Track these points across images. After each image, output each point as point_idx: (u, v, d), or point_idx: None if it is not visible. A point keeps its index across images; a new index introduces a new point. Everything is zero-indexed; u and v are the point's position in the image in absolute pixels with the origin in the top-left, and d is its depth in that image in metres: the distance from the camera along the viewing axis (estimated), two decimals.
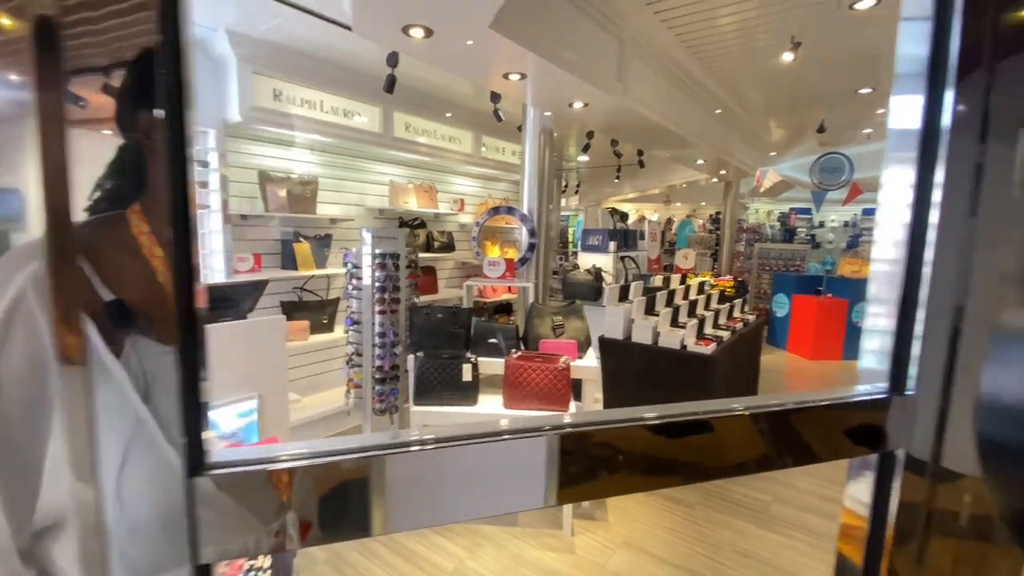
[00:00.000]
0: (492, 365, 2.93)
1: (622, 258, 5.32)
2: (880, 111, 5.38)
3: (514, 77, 2.73)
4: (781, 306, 7.09)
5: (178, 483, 0.30)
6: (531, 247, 3.86)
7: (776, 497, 3.12)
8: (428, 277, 5.15)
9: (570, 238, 10.82)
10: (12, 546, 0.31)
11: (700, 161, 6.05)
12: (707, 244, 8.71)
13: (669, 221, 11.05)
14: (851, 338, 6.45)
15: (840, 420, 0.51)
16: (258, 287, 2.48)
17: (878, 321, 0.51)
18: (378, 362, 3.04)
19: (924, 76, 0.48)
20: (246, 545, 0.33)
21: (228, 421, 2.16)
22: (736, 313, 4.77)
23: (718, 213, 8.10)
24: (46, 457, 0.29)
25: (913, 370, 0.49)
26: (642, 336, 3.80)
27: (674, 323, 3.84)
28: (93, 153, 0.31)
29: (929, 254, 0.48)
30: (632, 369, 3.86)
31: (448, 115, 4.70)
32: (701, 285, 4.94)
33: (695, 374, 3.58)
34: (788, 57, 3.24)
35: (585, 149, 5.12)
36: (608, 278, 4.88)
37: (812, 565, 2.55)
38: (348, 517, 0.33)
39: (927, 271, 0.48)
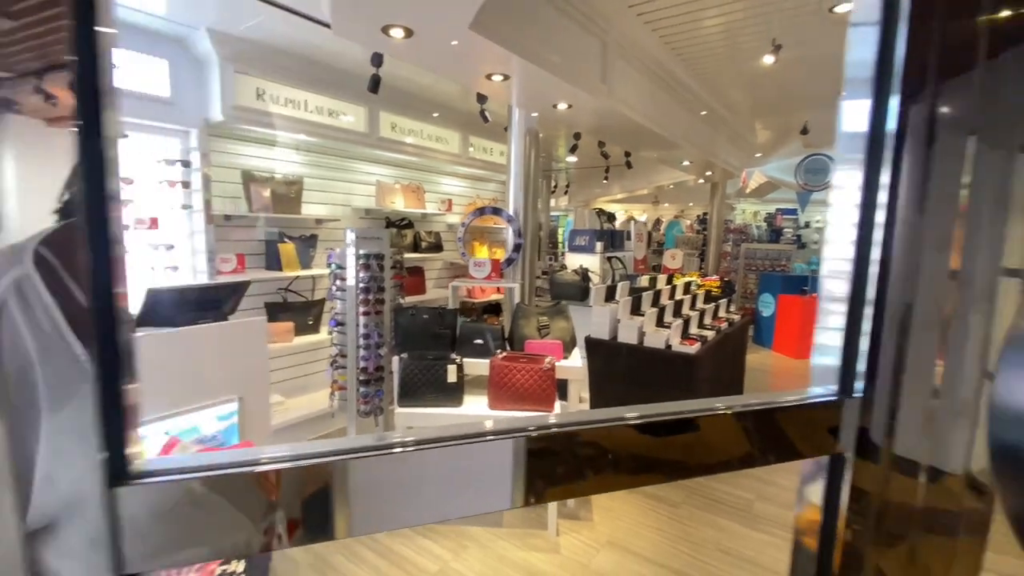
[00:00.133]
0: (478, 366, 2.92)
1: (609, 258, 5.34)
2: None
3: (497, 78, 2.73)
4: (767, 306, 7.16)
5: (98, 494, 0.29)
6: (517, 248, 3.86)
7: (759, 495, 3.15)
8: (416, 278, 5.13)
9: (560, 238, 10.84)
10: None
11: (686, 162, 6.09)
12: (694, 244, 8.77)
13: (658, 222, 11.12)
14: None
15: (790, 422, 0.51)
16: (239, 288, 2.46)
17: (829, 321, 0.52)
18: (362, 363, 3.02)
19: (871, 81, 0.48)
20: (175, 556, 0.32)
21: (208, 424, 2.13)
22: (721, 313, 4.80)
23: (705, 214, 8.16)
24: None
25: (862, 372, 0.50)
26: (628, 336, 3.81)
27: (659, 323, 3.86)
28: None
29: (876, 253, 0.48)
30: (618, 369, 3.88)
31: (435, 115, 4.69)
32: (687, 285, 4.98)
33: (680, 373, 3.60)
34: (769, 60, 3.27)
35: (573, 150, 5.13)
36: (595, 278, 4.90)
37: None
38: (271, 526, 0.33)
39: (874, 270, 0.48)
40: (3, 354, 0.29)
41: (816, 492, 0.53)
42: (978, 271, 0.48)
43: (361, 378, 3.03)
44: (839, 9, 2.73)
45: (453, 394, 2.81)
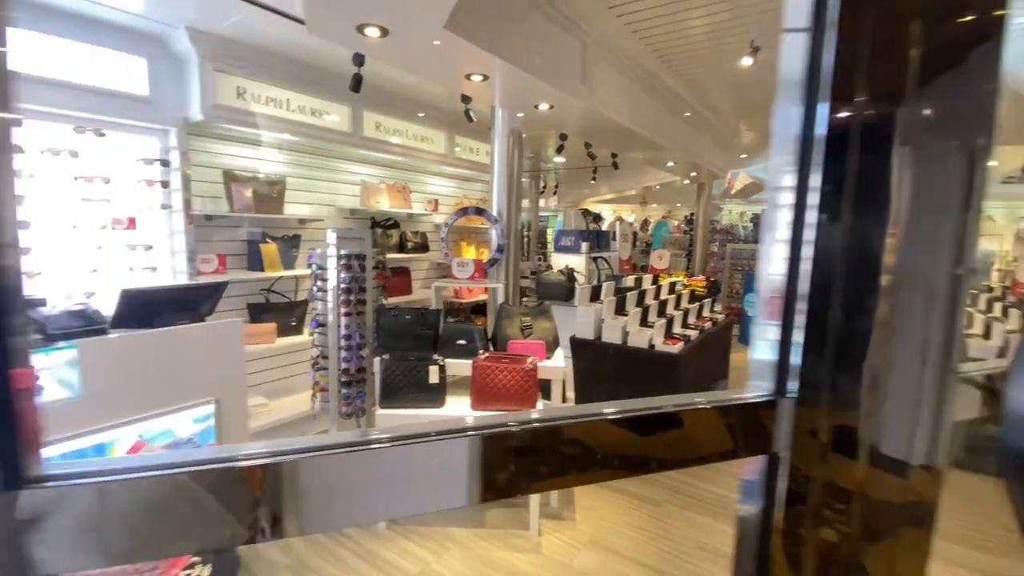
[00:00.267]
0: (461, 367, 2.92)
1: (595, 259, 5.36)
2: None
3: (477, 78, 2.73)
4: (752, 305, 7.23)
5: None
6: (500, 248, 3.86)
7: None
8: (402, 278, 5.11)
9: (549, 239, 10.85)
10: None
11: (670, 163, 6.13)
12: (681, 245, 8.83)
13: (646, 222, 11.18)
14: None
15: (729, 422, 0.52)
16: (217, 289, 2.43)
17: (765, 321, 0.53)
18: (344, 365, 3.00)
19: (802, 86, 0.49)
20: (86, 558, 0.32)
21: (184, 426, 2.11)
22: (706, 312, 4.84)
23: (692, 214, 8.22)
24: None
25: (795, 371, 0.50)
26: (612, 336, 3.83)
27: (643, 323, 3.88)
28: None
29: (808, 252, 0.49)
30: (602, 368, 3.90)
31: (421, 115, 4.67)
32: (672, 285, 5.01)
33: (663, 372, 3.63)
34: (748, 62, 3.30)
35: (559, 150, 5.15)
36: (581, 279, 4.92)
37: None
38: (174, 532, 0.33)
39: (805, 270, 0.49)
40: None
41: (755, 490, 0.54)
42: (909, 270, 0.49)
43: (343, 379, 3.02)
44: None
45: (435, 395, 2.81)
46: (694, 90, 4.42)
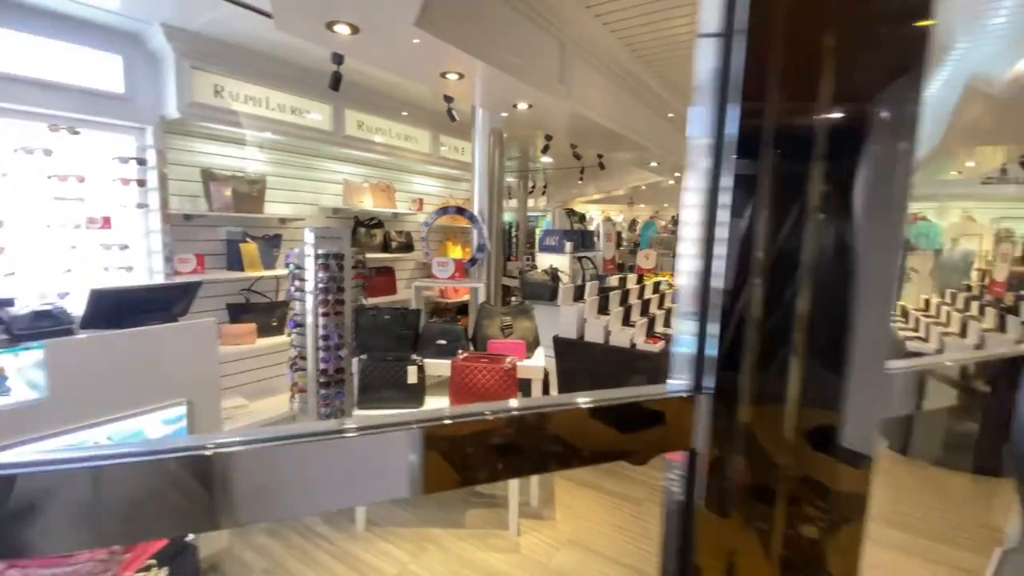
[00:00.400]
0: (441, 367, 2.92)
1: (579, 258, 5.37)
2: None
3: (452, 76, 2.72)
4: None
5: None
6: (480, 247, 3.86)
7: None
8: (386, 278, 5.10)
9: (537, 238, 10.87)
10: None
11: (653, 163, 6.16)
12: (668, 245, 8.88)
13: (633, 222, 11.23)
14: None
15: (649, 417, 0.52)
16: (190, 289, 2.41)
17: (683, 318, 0.54)
18: (322, 365, 2.99)
19: (715, 89, 0.50)
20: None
21: (154, 428, 2.09)
22: None
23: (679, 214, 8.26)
24: None
25: (711, 368, 0.51)
26: (594, 335, 3.85)
27: (626, 322, 3.90)
28: None
29: (720, 250, 0.50)
30: (585, 368, 3.91)
31: (404, 114, 4.66)
32: (656, 284, 5.04)
33: (644, 372, 3.65)
34: None
35: (544, 150, 5.15)
36: (565, 278, 4.93)
37: None
38: (37, 530, 0.33)
39: (718, 268, 0.50)
40: None
41: (678, 486, 0.55)
42: (822, 267, 0.50)
43: (321, 380, 3.00)
44: None
45: (414, 395, 2.81)
46: (675, 90, 4.45)
